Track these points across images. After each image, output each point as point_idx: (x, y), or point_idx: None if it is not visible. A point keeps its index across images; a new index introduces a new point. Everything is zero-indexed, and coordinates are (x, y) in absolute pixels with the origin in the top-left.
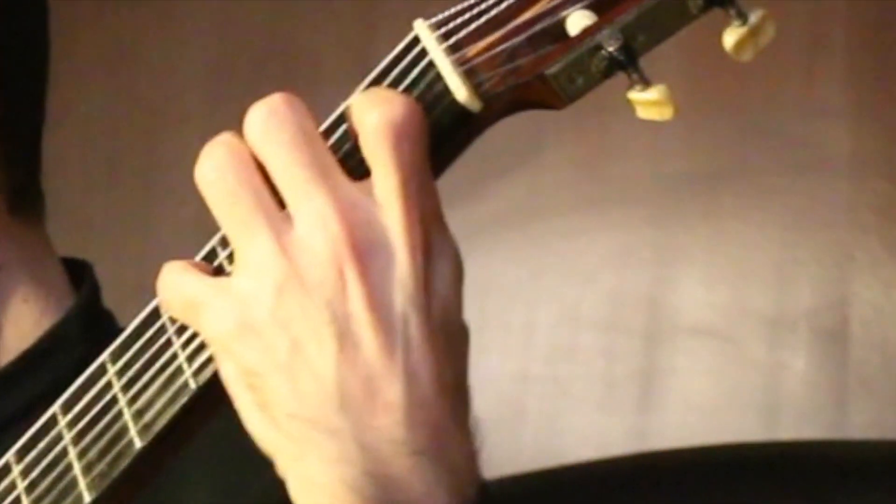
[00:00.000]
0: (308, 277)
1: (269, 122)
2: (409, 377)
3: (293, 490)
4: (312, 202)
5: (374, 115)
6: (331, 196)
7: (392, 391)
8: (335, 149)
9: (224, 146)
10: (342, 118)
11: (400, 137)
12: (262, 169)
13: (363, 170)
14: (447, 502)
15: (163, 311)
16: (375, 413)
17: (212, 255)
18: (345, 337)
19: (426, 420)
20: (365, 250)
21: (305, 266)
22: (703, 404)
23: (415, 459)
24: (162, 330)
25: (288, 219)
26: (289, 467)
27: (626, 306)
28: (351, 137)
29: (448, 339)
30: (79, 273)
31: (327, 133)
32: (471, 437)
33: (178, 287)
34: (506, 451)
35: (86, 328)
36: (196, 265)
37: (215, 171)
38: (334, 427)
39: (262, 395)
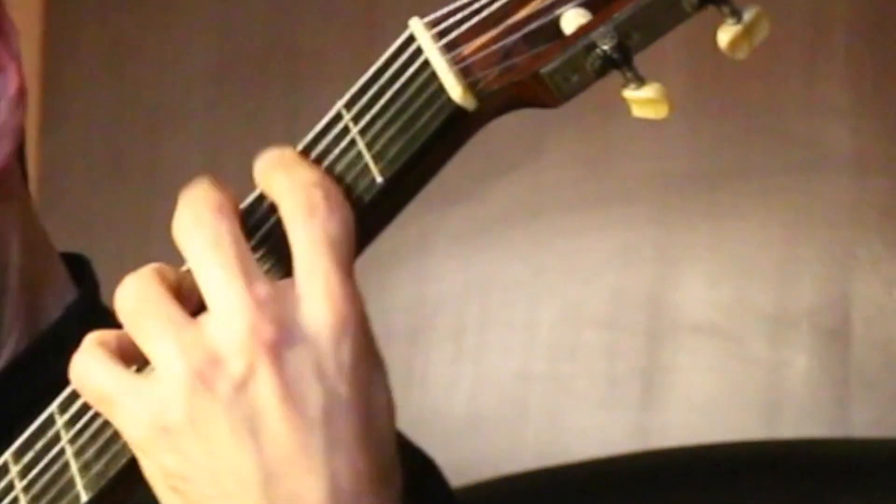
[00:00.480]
0: (218, 374)
1: (193, 223)
2: (332, 474)
3: None
4: (226, 298)
5: (313, 226)
6: (244, 292)
7: (314, 490)
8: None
9: (132, 275)
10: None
11: (336, 247)
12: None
13: (278, 252)
14: None
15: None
16: None
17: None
18: (258, 433)
19: None
20: (280, 342)
21: (216, 363)
22: (705, 402)
23: None
24: None
25: (199, 321)
26: None
27: (628, 304)
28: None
29: (373, 428)
30: (78, 268)
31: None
32: None
33: (92, 377)
34: (508, 450)
35: (85, 325)
36: (120, 340)
37: (124, 297)
38: None
39: (187, 498)
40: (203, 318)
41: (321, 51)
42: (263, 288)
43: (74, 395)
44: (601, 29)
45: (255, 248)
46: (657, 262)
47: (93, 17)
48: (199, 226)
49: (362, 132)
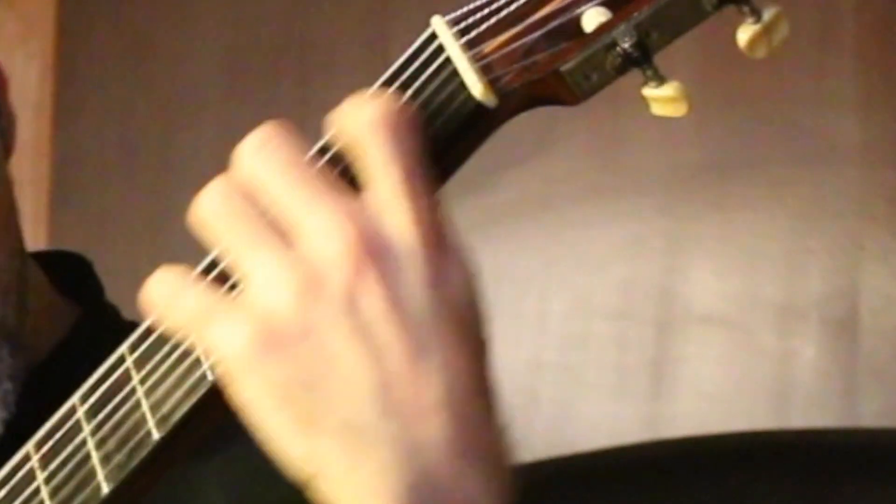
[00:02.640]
0: (326, 285)
1: (263, 150)
2: (447, 374)
3: None
4: (319, 214)
5: (366, 112)
6: (336, 205)
7: (433, 391)
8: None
9: (217, 182)
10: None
11: (396, 129)
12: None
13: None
14: None
15: (157, 320)
16: (423, 414)
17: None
18: (373, 341)
19: (470, 419)
20: (379, 252)
21: (322, 274)
22: (715, 392)
23: (464, 462)
24: None
25: (296, 237)
26: (337, 483)
27: (638, 295)
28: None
29: (470, 335)
30: (79, 269)
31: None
32: (506, 438)
33: (182, 296)
34: (518, 439)
35: (97, 333)
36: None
37: (213, 201)
38: (385, 433)
39: (303, 407)
40: (298, 231)
41: (333, 44)
42: (351, 201)
43: (96, 386)
44: (621, 27)
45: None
46: (667, 253)
47: (106, 12)
48: (271, 150)
49: None
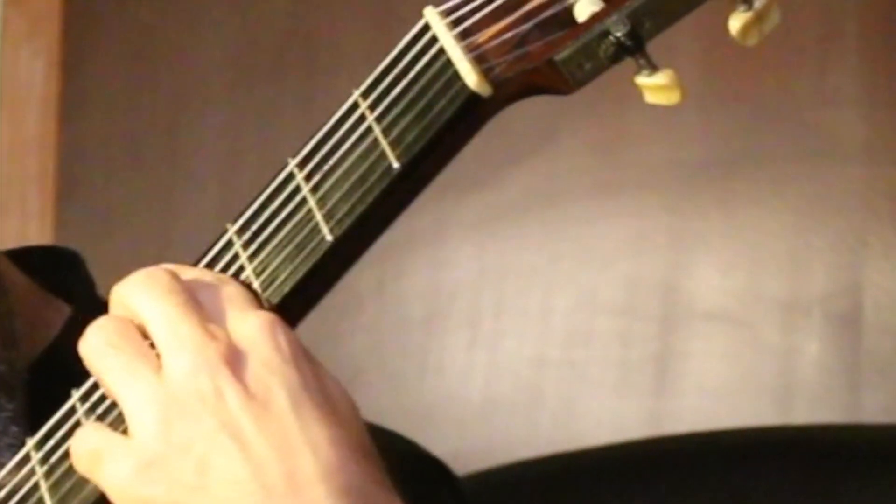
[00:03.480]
0: (187, 397)
1: (142, 281)
2: (314, 448)
3: None
4: (176, 331)
5: (220, 286)
6: (189, 321)
7: (305, 466)
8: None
9: (102, 318)
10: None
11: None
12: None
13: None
14: None
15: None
16: (299, 492)
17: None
18: (239, 435)
19: (349, 485)
20: (230, 353)
21: (182, 388)
22: (718, 388)
23: None
24: None
25: (163, 357)
26: None
27: (642, 291)
28: None
29: (335, 404)
30: (67, 264)
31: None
32: (394, 497)
33: (82, 439)
34: (522, 436)
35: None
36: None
37: (97, 335)
38: None
39: None
40: (160, 350)
41: (338, 40)
42: (205, 316)
43: (95, 387)
44: (614, 16)
45: None
46: (671, 250)
47: (112, 9)
48: (151, 282)
49: (379, 119)
